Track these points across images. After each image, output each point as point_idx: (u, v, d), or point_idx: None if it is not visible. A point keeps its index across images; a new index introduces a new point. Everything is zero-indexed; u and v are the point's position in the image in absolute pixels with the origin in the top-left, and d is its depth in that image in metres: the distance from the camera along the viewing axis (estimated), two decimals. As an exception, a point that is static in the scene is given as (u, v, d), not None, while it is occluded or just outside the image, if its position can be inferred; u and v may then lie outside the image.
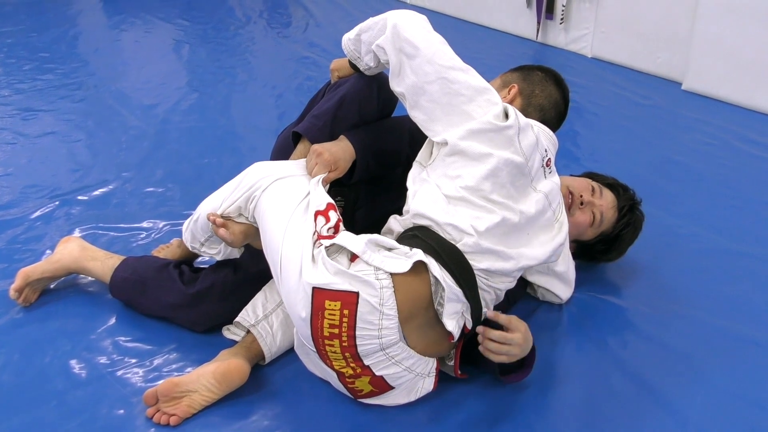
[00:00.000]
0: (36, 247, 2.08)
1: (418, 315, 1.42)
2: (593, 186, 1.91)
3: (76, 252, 1.88)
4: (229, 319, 1.72)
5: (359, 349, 1.38)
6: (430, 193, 1.52)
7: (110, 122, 2.91)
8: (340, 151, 1.68)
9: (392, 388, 1.47)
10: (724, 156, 2.72)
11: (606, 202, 1.90)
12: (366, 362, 1.40)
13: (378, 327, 1.37)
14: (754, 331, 1.82)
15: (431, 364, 1.49)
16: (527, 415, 1.56)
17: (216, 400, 1.54)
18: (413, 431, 1.52)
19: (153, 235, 2.16)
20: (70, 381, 1.62)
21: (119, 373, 1.64)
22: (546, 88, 1.82)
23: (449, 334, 1.43)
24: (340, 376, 1.46)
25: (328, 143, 1.70)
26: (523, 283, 1.85)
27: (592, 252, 1.96)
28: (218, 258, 1.80)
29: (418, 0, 4.52)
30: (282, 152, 1.86)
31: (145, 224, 2.20)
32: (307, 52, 3.75)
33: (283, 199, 1.55)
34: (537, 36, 3.86)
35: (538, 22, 3.81)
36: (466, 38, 4.02)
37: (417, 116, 1.59)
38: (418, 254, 1.41)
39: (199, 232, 1.76)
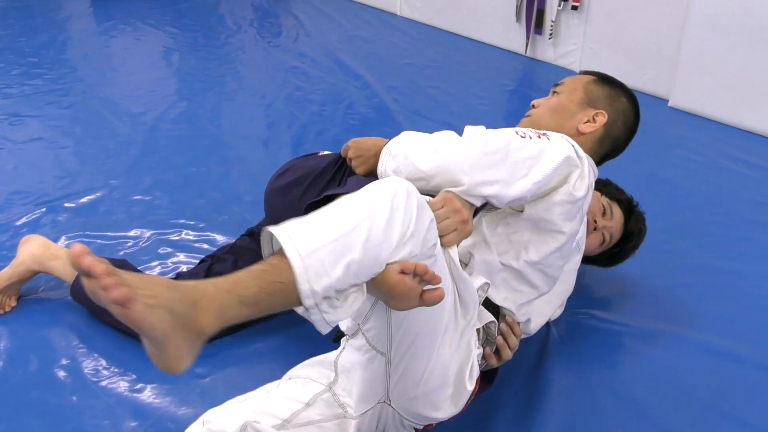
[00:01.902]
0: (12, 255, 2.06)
1: None
2: (604, 206, 1.88)
3: (37, 251, 1.83)
4: None
5: None
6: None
7: (98, 129, 2.89)
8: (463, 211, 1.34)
9: None
10: (708, 173, 2.75)
11: (616, 222, 1.89)
12: None
13: None
14: (738, 347, 1.83)
15: None
16: (510, 429, 1.56)
17: None
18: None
19: (140, 244, 2.15)
20: (53, 390, 1.60)
21: (104, 383, 1.63)
22: (628, 119, 1.66)
23: None
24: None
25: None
26: None
27: (594, 262, 1.97)
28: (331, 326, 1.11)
29: (408, 13, 4.54)
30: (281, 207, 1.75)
31: (132, 233, 2.19)
32: (297, 62, 3.75)
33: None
34: (526, 50, 3.89)
35: (528, 37, 3.84)
36: (455, 51, 4.04)
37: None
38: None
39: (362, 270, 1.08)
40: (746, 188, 2.65)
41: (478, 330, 1.42)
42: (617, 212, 1.90)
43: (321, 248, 1.02)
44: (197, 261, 1.97)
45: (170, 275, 1.94)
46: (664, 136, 3.06)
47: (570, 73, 3.72)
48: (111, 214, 2.29)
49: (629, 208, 1.93)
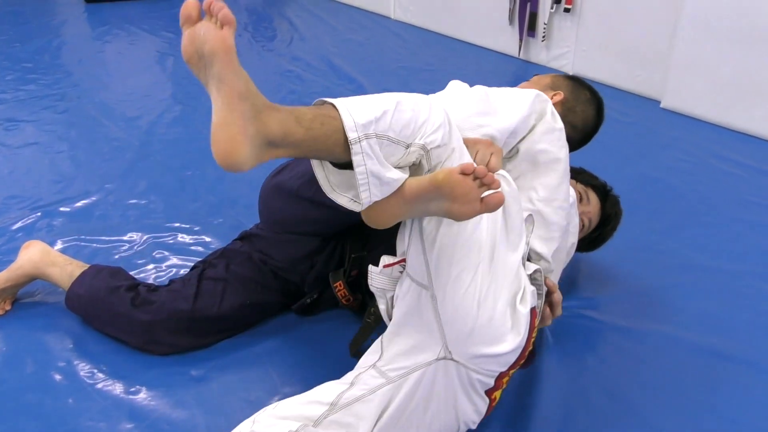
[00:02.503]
0: (6, 259, 2.07)
1: None
2: (581, 193, 1.94)
3: (36, 257, 1.85)
4: (185, 351, 1.71)
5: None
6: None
7: (93, 133, 2.91)
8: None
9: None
10: (699, 173, 2.77)
11: (593, 207, 1.95)
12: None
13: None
14: (727, 346, 1.84)
15: None
16: (503, 429, 1.57)
17: None
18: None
19: (135, 248, 2.16)
20: (50, 393, 1.61)
21: (99, 385, 1.64)
22: (587, 110, 1.87)
23: None
24: (490, 394, 1.41)
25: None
26: None
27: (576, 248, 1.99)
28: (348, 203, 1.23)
29: (401, 16, 4.56)
30: (277, 198, 1.79)
31: (127, 236, 2.20)
32: (291, 65, 3.77)
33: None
34: (519, 53, 3.91)
35: (521, 39, 3.87)
36: (449, 54, 4.06)
37: None
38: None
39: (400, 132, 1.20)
40: (735, 188, 2.67)
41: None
42: (593, 197, 1.95)
43: (359, 103, 1.18)
44: (192, 264, 1.98)
45: (165, 281, 1.95)
46: (657, 137, 3.08)
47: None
48: (106, 219, 2.30)
49: (604, 192, 1.98)
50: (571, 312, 1.96)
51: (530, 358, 1.53)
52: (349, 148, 1.13)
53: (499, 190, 1.20)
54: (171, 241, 2.19)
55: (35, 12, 4.71)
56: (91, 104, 3.20)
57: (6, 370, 1.67)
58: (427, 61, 3.95)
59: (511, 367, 1.39)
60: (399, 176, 1.19)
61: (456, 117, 1.36)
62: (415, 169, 1.27)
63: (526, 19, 3.78)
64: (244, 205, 2.35)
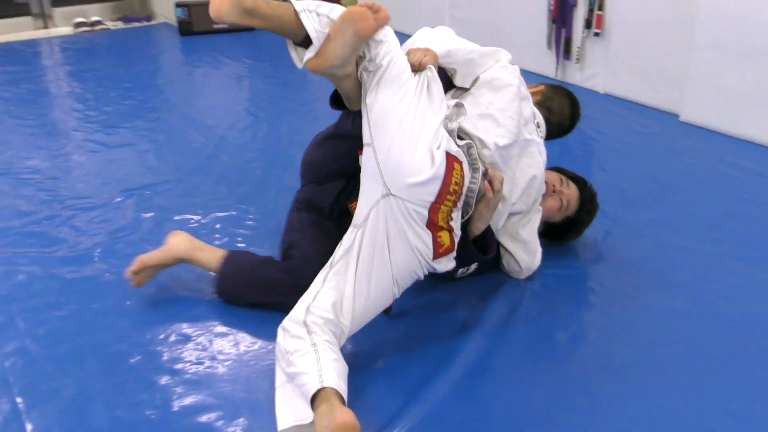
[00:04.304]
0: (104, 227, 2.61)
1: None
2: (562, 178, 2.35)
3: (185, 244, 2.15)
4: None
5: (458, 205, 1.84)
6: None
7: (176, 137, 3.48)
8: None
9: (454, 250, 1.88)
10: (700, 174, 3.06)
11: (572, 191, 2.34)
12: (453, 216, 1.84)
13: (466, 194, 1.88)
14: (692, 306, 2.16)
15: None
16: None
17: None
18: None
19: (202, 221, 2.65)
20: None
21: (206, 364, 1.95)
22: (562, 102, 2.40)
23: None
24: (434, 230, 1.80)
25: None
26: (496, 257, 2.23)
27: (557, 232, 2.37)
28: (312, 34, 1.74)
29: (456, 43, 5.00)
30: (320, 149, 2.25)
31: (197, 215, 2.70)
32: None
33: (406, 77, 1.84)
34: (556, 74, 4.28)
35: (557, 62, 4.24)
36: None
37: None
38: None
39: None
40: (731, 187, 2.94)
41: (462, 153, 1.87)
42: (572, 185, 2.34)
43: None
44: (243, 237, 2.51)
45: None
46: (669, 146, 3.38)
47: (595, 94, 4.08)
48: (180, 199, 2.82)
49: (583, 183, 2.36)
50: (562, 277, 2.30)
51: (490, 264, 2.03)
52: (301, 22, 1.72)
53: (386, 12, 1.78)
54: (230, 219, 2.67)
55: (139, 43, 5.44)
56: (177, 115, 3.79)
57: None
58: (474, 82, 4.36)
59: (438, 200, 1.77)
60: (333, 16, 1.75)
61: (426, 39, 2.05)
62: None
63: (562, 43, 4.15)
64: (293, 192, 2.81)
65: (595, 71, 4.07)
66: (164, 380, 1.86)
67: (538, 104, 2.31)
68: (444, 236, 1.83)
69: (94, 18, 5.94)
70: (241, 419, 1.72)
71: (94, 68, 4.68)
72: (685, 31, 3.52)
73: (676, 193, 2.90)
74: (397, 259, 1.80)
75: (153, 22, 6.14)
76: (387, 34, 1.83)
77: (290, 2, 1.75)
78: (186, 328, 2.06)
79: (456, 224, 1.86)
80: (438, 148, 1.78)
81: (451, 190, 1.79)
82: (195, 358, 1.94)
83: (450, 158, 1.79)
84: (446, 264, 1.89)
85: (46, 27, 5.96)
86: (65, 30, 5.86)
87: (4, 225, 2.64)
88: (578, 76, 4.18)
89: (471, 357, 1.93)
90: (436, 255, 1.83)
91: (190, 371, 1.89)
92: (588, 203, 2.35)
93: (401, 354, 1.96)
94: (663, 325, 2.08)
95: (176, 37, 5.53)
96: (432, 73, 1.88)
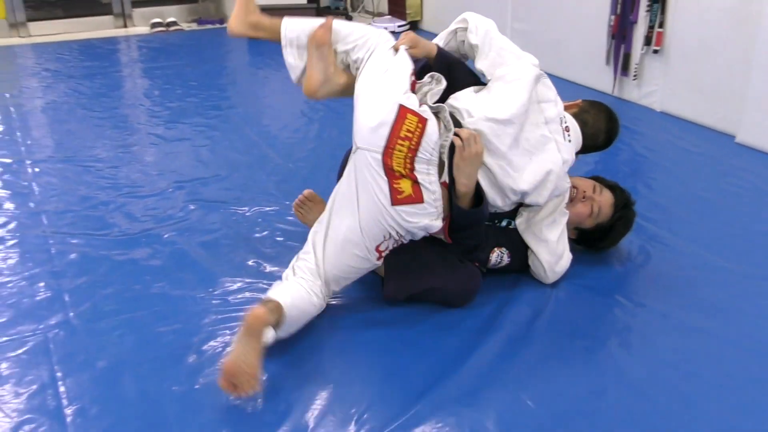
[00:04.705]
0: (154, 214, 2.76)
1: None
2: (596, 186, 2.37)
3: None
4: None
5: (418, 154, 1.96)
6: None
7: (231, 134, 3.62)
8: (425, 41, 2.22)
9: (422, 202, 1.98)
10: (749, 196, 2.99)
11: (605, 199, 2.35)
12: (416, 167, 1.96)
13: (432, 147, 1.98)
14: (714, 326, 2.14)
15: (441, 220, 2.05)
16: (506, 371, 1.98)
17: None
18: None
19: (246, 214, 2.76)
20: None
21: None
22: (598, 116, 2.38)
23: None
24: (391, 177, 1.95)
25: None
26: (523, 257, 2.28)
27: (590, 239, 2.38)
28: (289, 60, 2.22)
29: (516, 56, 5.02)
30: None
31: (241, 208, 2.81)
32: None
33: (383, 52, 2.12)
34: (613, 90, 4.25)
35: (615, 78, 4.21)
36: (551, 90, 4.46)
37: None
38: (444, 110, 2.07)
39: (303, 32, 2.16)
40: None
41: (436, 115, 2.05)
42: (607, 193, 2.35)
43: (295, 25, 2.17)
44: (282, 231, 2.62)
45: (267, 236, 2.60)
46: (719, 166, 3.31)
47: (651, 111, 4.04)
48: (227, 192, 2.95)
49: (619, 191, 2.37)
50: (589, 288, 2.31)
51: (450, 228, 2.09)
52: None
53: (329, 19, 2.10)
54: (272, 214, 2.77)
55: (209, 44, 5.65)
56: (235, 114, 3.94)
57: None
58: (530, 95, 4.37)
59: (390, 144, 1.93)
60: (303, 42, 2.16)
61: (473, 18, 2.30)
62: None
63: (621, 60, 4.12)
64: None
65: (653, 89, 4.03)
66: (192, 359, 1.95)
67: (574, 116, 2.33)
68: (404, 184, 1.96)
69: (170, 19, 6.21)
70: (259, 400, 1.80)
71: (164, 66, 4.90)
72: (746, 51, 3.45)
73: (720, 214, 2.85)
74: (362, 208, 1.99)
75: (225, 25, 6.36)
76: (355, 39, 2.12)
77: (280, 35, 2.17)
78: (218, 314, 2.15)
79: (423, 177, 1.97)
80: (394, 103, 1.98)
81: (402, 135, 1.94)
82: (225, 339, 2.03)
83: (403, 109, 1.96)
84: (417, 216, 1.99)
85: (125, 26, 6.26)
86: (142, 29, 6.15)
87: (65, 208, 2.82)
88: (635, 93, 4.14)
89: (487, 360, 1.96)
90: (395, 202, 1.96)
91: (217, 352, 1.98)
92: (621, 210, 2.35)
93: (416, 351, 2.00)
94: (689, 343, 2.06)
95: (244, 40, 5.71)
96: (402, 53, 2.12)
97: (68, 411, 1.76)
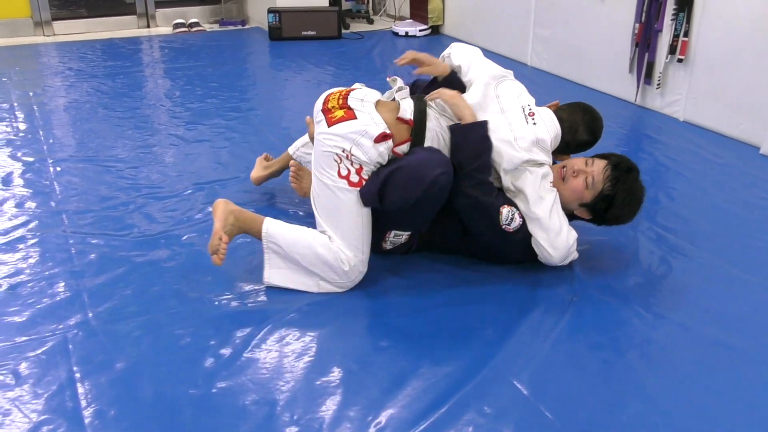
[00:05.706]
0: (173, 216, 2.76)
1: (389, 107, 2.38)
2: (587, 160, 2.37)
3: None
4: None
5: (350, 96, 2.36)
6: None
7: (251, 136, 3.62)
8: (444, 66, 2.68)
9: (355, 118, 2.25)
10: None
11: (597, 167, 2.32)
12: (348, 103, 2.31)
13: (364, 93, 2.40)
14: (730, 338, 2.11)
15: (382, 128, 2.25)
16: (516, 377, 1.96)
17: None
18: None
19: (263, 213, 2.75)
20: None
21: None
22: (573, 110, 2.54)
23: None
24: (327, 114, 2.30)
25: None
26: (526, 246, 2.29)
27: (598, 212, 2.34)
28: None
29: (537, 62, 4.99)
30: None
31: (263, 209, 2.81)
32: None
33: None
34: (636, 99, 4.21)
35: (638, 87, 4.17)
36: (574, 97, 4.39)
37: None
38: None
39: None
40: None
41: None
42: (599, 162, 2.34)
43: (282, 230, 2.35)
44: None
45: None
46: (742, 177, 3.27)
47: (674, 121, 4.00)
48: (245, 195, 2.95)
49: (614, 157, 2.36)
50: (609, 297, 2.29)
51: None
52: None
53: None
54: (285, 216, 2.77)
55: (231, 45, 5.67)
56: (255, 116, 3.95)
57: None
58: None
59: (324, 105, 2.35)
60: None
61: (459, 50, 2.69)
62: None
63: (644, 68, 4.09)
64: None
65: (676, 98, 3.99)
66: (209, 362, 1.95)
67: (553, 112, 2.50)
68: (337, 113, 2.29)
69: (193, 20, 6.24)
70: (276, 406, 1.79)
71: (186, 67, 4.93)
72: (771, 62, 3.42)
73: (743, 226, 2.82)
74: (314, 157, 2.33)
75: (246, 27, 6.39)
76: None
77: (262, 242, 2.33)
78: (236, 317, 2.16)
79: (356, 103, 2.31)
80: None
81: (332, 98, 2.39)
82: (240, 345, 2.03)
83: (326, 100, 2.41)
84: (353, 125, 2.23)
85: (148, 26, 6.31)
86: (165, 30, 6.19)
87: (85, 207, 2.83)
88: (658, 102, 4.11)
89: (504, 369, 1.95)
90: (330, 124, 2.27)
91: (234, 356, 1.98)
92: (622, 175, 2.29)
93: (434, 359, 1.99)
94: (710, 357, 2.03)
95: (266, 42, 5.73)
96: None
97: (86, 413, 1.77)
